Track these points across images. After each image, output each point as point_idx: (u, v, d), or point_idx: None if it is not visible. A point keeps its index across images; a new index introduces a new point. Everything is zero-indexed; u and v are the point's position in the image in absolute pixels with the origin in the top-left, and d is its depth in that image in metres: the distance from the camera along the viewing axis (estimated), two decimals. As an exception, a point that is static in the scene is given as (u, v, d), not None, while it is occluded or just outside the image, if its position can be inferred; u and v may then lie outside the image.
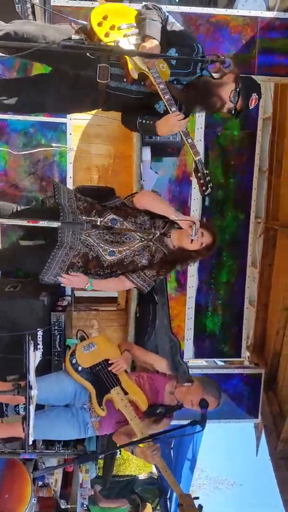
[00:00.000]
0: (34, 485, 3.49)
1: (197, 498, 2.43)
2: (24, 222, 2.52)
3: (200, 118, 3.89)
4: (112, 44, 2.32)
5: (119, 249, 2.74)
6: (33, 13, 2.37)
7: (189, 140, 2.41)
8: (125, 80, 2.44)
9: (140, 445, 2.62)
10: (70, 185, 3.65)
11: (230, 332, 4.43)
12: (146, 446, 2.53)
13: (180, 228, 2.71)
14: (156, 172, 3.77)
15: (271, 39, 3.71)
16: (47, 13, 2.51)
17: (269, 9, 3.94)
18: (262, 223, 4.43)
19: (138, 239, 2.74)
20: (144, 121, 2.53)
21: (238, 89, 2.45)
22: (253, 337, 4.67)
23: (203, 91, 2.49)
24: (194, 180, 4.00)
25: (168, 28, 2.44)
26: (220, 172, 4.16)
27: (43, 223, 2.46)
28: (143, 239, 2.73)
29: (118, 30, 2.36)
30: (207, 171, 2.40)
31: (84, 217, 2.71)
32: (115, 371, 2.70)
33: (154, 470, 6.52)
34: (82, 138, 3.82)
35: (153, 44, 2.30)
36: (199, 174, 2.40)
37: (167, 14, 2.46)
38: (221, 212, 4.21)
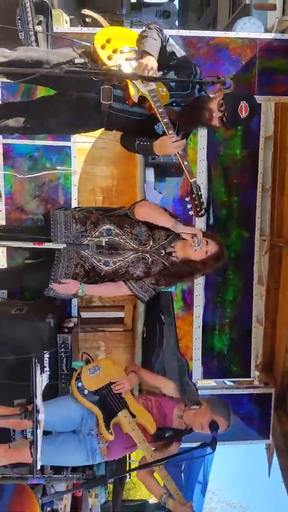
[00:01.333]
0: (42, 511, 3.44)
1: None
2: (29, 245, 2.54)
3: (202, 138, 3.93)
4: (115, 67, 2.38)
5: (114, 259, 2.74)
6: (36, 40, 2.42)
7: (185, 163, 2.46)
8: (126, 102, 2.49)
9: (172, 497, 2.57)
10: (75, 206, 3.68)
11: (238, 351, 4.38)
12: (177, 499, 2.48)
13: (184, 238, 2.69)
14: (160, 193, 3.80)
15: (270, 60, 3.78)
16: (49, 39, 2.56)
17: (267, 30, 4.02)
18: (267, 240, 4.43)
19: (132, 251, 2.73)
20: (142, 142, 2.60)
21: (224, 98, 2.47)
22: (262, 356, 4.62)
23: (195, 107, 2.55)
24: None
25: (168, 49, 2.51)
26: (223, 191, 4.18)
27: (48, 245, 2.49)
28: (138, 251, 2.72)
29: (121, 53, 2.42)
30: (202, 193, 2.45)
31: (78, 226, 2.73)
32: (117, 391, 2.66)
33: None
34: (86, 160, 3.86)
35: (149, 60, 2.34)
36: (194, 196, 2.45)
37: (167, 36, 2.51)
38: (225, 230, 4.21)
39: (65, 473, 3.19)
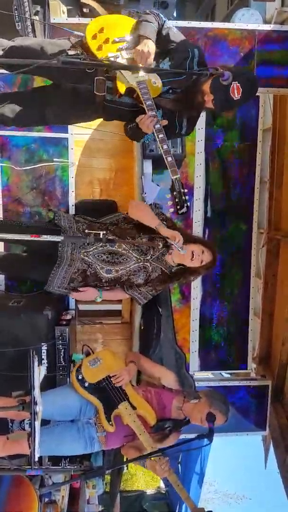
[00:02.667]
0: (40, 502, 3.46)
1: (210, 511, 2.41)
2: (27, 237, 2.53)
3: (200, 131, 3.91)
4: (104, 58, 2.34)
5: (116, 268, 2.80)
6: (33, 30, 2.40)
7: (169, 159, 2.34)
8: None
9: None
10: (72, 199, 3.67)
11: (235, 344, 4.40)
12: (156, 459, 2.51)
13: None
14: (157, 185, 3.79)
15: (268, 51, 3.75)
16: (47, 29, 2.54)
17: (266, 22, 3.99)
18: (265, 233, 4.43)
19: (134, 260, 2.78)
20: (130, 126, 2.56)
21: (214, 80, 2.38)
22: (259, 348, 4.63)
23: (188, 91, 2.49)
24: (196, 193, 4.02)
25: (163, 32, 2.45)
26: (221, 184, 4.18)
27: (45, 237, 2.48)
28: (139, 260, 2.77)
29: (112, 43, 2.38)
30: (184, 190, 2.36)
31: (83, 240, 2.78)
32: (116, 384, 2.68)
33: (162, 485, 6.46)
34: (83, 152, 3.84)
35: (147, 45, 2.29)
36: (175, 193, 2.38)
37: (164, 19, 2.46)
38: (223, 223, 4.21)
39: (62, 464, 3.21)
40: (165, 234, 2.70)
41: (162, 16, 2.46)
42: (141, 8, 10.78)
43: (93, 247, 2.80)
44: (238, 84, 2.32)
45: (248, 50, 3.74)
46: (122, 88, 2.38)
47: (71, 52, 2.43)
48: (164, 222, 2.79)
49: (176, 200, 2.38)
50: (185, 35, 3.60)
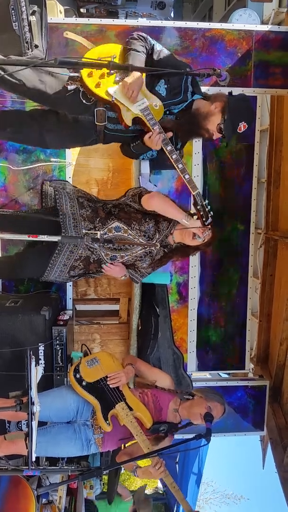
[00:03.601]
0: (38, 502, 3.45)
1: None
2: (24, 237, 2.53)
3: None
4: (104, 95, 2.42)
5: (121, 254, 2.76)
6: (30, 30, 2.40)
7: (186, 176, 2.49)
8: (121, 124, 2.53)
9: (140, 465, 2.59)
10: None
11: (233, 344, 4.40)
12: (150, 461, 2.50)
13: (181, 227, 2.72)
14: (155, 185, 3.78)
15: (266, 52, 3.76)
16: (44, 29, 2.54)
17: (263, 22, 4.00)
18: (262, 233, 4.44)
19: (140, 247, 2.75)
20: (135, 143, 2.64)
21: (223, 122, 2.49)
22: (257, 349, 4.64)
23: (192, 124, 2.55)
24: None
25: (155, 57, 2.50)
26: (219, 184, 4.18)
27: (43, 237, 2.48)
28: (145, 247, 2.74)
29: (108, 76, 2.43)
30: (207, 201, 2.47)
31: (86, 224, 2.73)
32: (112, 384, 2.67)
33: (159, 485, 6.45)
34: (81, 152, 3.84)
35: (133, 76, 2.36)
36: (198, 207, 2.47)
37: (152, 42, 2.51)
38: (221, 223, 4.21)
39: (60, 464, 3.20)
40: (196, 225, 2.61)
41: (150, 39, 2.50)
42: (139, 8, 10.78)
43: (98, 234, 2.71)
44: (245, 124, 2.51)
45: (246, 51, 3.75)
46: (128, 121, 2.48)
47: (70, 88, 2.48)
48: None
49: (201, 213, 2.48)
50: (183, 35, 3.64)
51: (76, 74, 2.47)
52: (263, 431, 4.40)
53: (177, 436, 2.78)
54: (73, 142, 2.77)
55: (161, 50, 2.52)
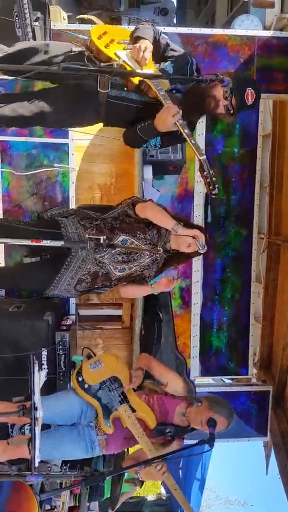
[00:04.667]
0: (41, 508, 3.44)
1: None
2: (27, 242, 2.53)
3: (200, 136, 3.92)
4: (112, 54, 2.38)
5: (129, 265, 2.76)
6: (34, 37, 2.42)
7: (192, 141, 2.39)
8: (125, 88, 2.48)
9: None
10: (73, 204, 3.67)
11: (236, 349, 4.39)
12: (176, 496, 2.50)
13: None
14: (158, 190, 3.80)
15: (268, 57, 3.77)
16: (47, 35, 2.56)
17: (265, 28, 4.01)
18: (265, 238, 4.43)
19: (147, 255, 2.75)
20: (142, 124, 2.54)
21: (229, 88, 2.44)
22: (260, 354, 4.62)
23: (198, 94, 2.53)
24: (196, 190, 4.02)
25: (163, 42, 2.52)
26: (221, 189, 4.16)
27: (46, 243, 2.48)
28: (152, 254, 2.74)
29: (118, 44, 2.42)
30: (213, 171, 2.37)
31: (93, 244, 2.69)
32: (126, 387, 2.67)
33: (162, 491, 6.42)
34: (84, 158, 3.86)
35: (144, 42, 2.35)
36: (205, 173, 2.37)
37: (160, 30, 2.52)
38: (223, 228, 4.21)
39: (63, 469, 3.19)
40: (185, 234, 2.63)
41: (157, 27, 2.52)
42: (141, 14, 10.84)
43: (107, 250, 2.71)
44: (252, 91, 2.44)
45: (248, 56, 3.76)
46: (135, 79, 2.40)
47: (75, 49, 2.45)
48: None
49: (208, 180, 2.36)
50: (185, 41, 3.66)
51: (85, 37, 2.45)
52: (266, 436, 4.38)
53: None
54: (74, 115, 2.67)
55: (166, 38, 2.54)
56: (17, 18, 2.40)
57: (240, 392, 4.32)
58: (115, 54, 2.40)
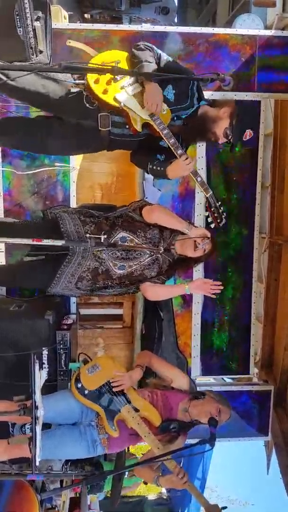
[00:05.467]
0: (41, 507, 3.44)
1: (225, 507, 2.39)
2: (28, 241, 2.54)
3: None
4: (112, 101, 2.41)
5: (129, 263, 2.75)
6: (35, 36, 2.41)
7: (199, 179, 2.51)
8: (127, 127, 2.52)
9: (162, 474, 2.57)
10: (73, 203, 3.67)
11: (237, 349, 4.39)
12: (172, 470, 2.48)
13: (182, 233, 2.74)
14: (159, 189, 3.79)
15: (270, 57, 3.76)
16: (48, 35, 2.55)
17: (267, 27, 4.00)
18: (267, 238, 4.43)
19: (148, 254, 2.75)
20: (154, 167, 2.61)
21: (231, 128, 2.52)
22: (261, 353, 4.62)
23: (199, 126, 2.57)
24: (199, 200, 4.02)
25: (162, 65, 2.50)
26: (223, 188, 4.18)
27: (47, 242, 2.49)
28: (152, 253, 2.74)
29: (114, 82, 2.42)
30: (220, 203, 2.51)
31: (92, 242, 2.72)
32: (116, 389, 2.66)
33: (163, 490, 6.42)
34: (84, 157, 3.85)
35: (154, 89, 2.38)
36: (212, 209, 2.51)
37: (159, 52, 2.52)
38: (225, 228, 4.21)
39: (64, 469, 3.20)
40: (197, 234, 2.66)
41: (155, 49, 2.51)
42: (142, 14, 10.83)
43: (106, 249, 2.72)
44: (251, 132, 2.60)
45: (249, 56, 3.75)
46: (138, 126, 2.46)
47: (73, 90, 2.49)
48: None
49: (215, 215, 2.52)
50: (186, 40, 3.66)
51: (82, 82, 2.47)
52: (267, 436, 4.38)
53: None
54: (76, 148, 2.76)
55: (167, 58, 2.54)
56: (18, 17, 2.39)
57: (241, 391, 4.32)
58: (114, 99, 2.42)
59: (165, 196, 3.95)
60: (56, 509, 4.26)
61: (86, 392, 2.65)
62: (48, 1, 2.55)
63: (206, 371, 4.32)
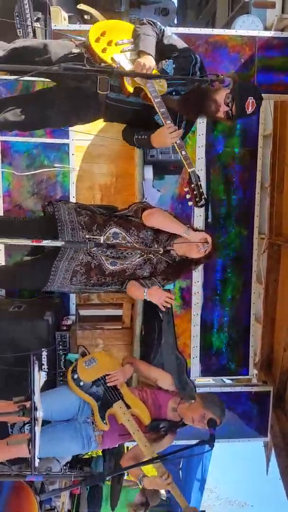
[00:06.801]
0: (41, 508, 3.44)
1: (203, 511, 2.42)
2: (28, 242, 2.53)
3: (201, 136, 3.91)
4: (109, 59, 2.38)
5: (121, 261, 2.76)
6: (35, 37, 2.42)
7: (183, 152, 2.43)
8: (122, 92, 2.48)
9: (147, 474, 2.60)
10: (73, 204, 3.67)
11: (237, 350, 4.39)
12: (155, 474, 2.51)
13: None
14: (158, 190, 3.79)
15: (269, 58, 3.77)
16: (48, 36, 2.56)
17: (266, 28, 4.01)
18: (266, 239, 4.43)
19: (138, 254, 2.75)
20: (139, 136, 2.58)
21: (233, 95, 2.44)
22: (260, 354, 4.62)
23: (199, 96, 2.50)
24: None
25: (165, 41, 2.50)
26: (222, 189, 4.18)
27: (46, 243, 2.49)
28: (143, 254, 2.74)
29: (115, 45, 2.42)
30: (201, 183, 2.42)
31: (84, 233, 2.73)
32: (110, 384, 2.71)
33: (162, 491, 6.41)
34: (84, 158, 3.85)
35: (147, 59, 2.34)
36: (192, 186, 2.41)
37: (163, 28, 2.50)
38: (224, 228, 4.21)
39: (63, 470, 3.20)
40: (196, 239, 2.64)
41: (159, 24, 2.50)
42: (142, 15, 10.84)
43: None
44: (254, 100, 2.43)
45: (249, 57, 3.76)
46: (130, 88, 2.41)
47: (75, 50, 2.46)
48: None
49: (195, 192, 2.42)
50: (186, 41, 3.64)
51: (83, 39, 2.44)
52: (267, 437, 4.38)
53: (180, 442, 2.78)
54: (75, 115, 2.68)
55: (171, 36, 2.53)
56: (18, 18, 2.40)
57: (240, 392, 4.32)
58: (112, 58, 2.40)
59: (164, 197, 3.95)
60: (56, 510, 4.26)
61: (81, 383, 2.71)
62: (48, 2, 2.56)
63: (205, 372, 4.32)
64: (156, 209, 2.78)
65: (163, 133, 2.43)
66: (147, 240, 2.75)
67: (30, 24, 2.37)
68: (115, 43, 2.41)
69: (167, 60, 2.49)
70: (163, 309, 2.74)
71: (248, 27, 4.02)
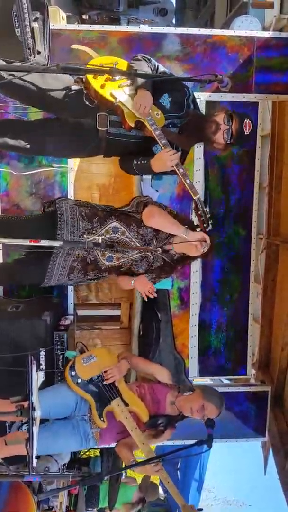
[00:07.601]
0: (38, 508, 3.44)
1: (200, 509, 2.42)
2: (26, 242, 2.54)
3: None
4: (108, 95, 2.45)
5: (117, 256, 2.77)
6: (33, 37, 2.41)
7: (187, 181, 2.52)
8: (123, 126, 2.56)
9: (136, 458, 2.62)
10: (71, 204, 3.67)
11: (235, 349, 4.39)
12: (169, 470, 2.53)
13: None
14: (156, 190, 3.79)
15: (267, 58, 3.77)
16: (46, 36, 2.56)
17: (264, 29, 4.01)
18: (264, 239, 4.43)
19: (136, 251, 2.76)
20: (139, 162, 2.66)
21: (230, 113, 2.54)
22: (259, 354, 4.62)
23: (198, 121, 2.61)
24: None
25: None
26: (220, 189, 4.18)
27: (44, 243, 2.49)
28: (141, 251, 2.76)
29: (113, 81, 2.47)
30: (207, 209, 2.52)
31: (84, 223, 2.74)
32: (107, 381, 2.71)
33: (161, 491, 6.42)
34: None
35: (146, 96, 2.43)
36: (199, 212, 2.52)
37: (156, 64, 2.58)
38: (222, 228, 4.21)
39: (61, 470, 3.20)
40: (195, 239, 2.67)
41: (153, 60, 2.58)
42: (140, 15, 10.83)
43: (94, 236, 2.74)
44: (250, 122, 2.55)
45: (247, 57, 3.76)
46: (131, 121, 2.50)
47: (74, 87, 2.55)
48: None
49: (202, 219, 2.53)
50: (184, 42, 3.67)
51: (81, 76, 2.51)
52: (264, 437, 4.38)
53: (179, 442, 2.78)
54: (74, 149, 2.77)
55: (164, 70, 2.62)
56: (16, 18, 2.39)
57: (238, 392, 4.32)
58: (111, 94, 2.46)
59: (163, 197, 3.94)
60: (53, 510, 4.26)
61: (79, 381, 2.71)
62: (46, 2, 2.56)
63: (203, 372, 4.32)
64: (156, 210, 2.78)
65: (163, 156, 2.51)
66: (147, 237, 2.76)
67: (28, 23, 2.36)
68: (111, 78, 2.47)
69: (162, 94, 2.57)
70: (145, 298, 2.80)
71: (247, 28, 4.02)
